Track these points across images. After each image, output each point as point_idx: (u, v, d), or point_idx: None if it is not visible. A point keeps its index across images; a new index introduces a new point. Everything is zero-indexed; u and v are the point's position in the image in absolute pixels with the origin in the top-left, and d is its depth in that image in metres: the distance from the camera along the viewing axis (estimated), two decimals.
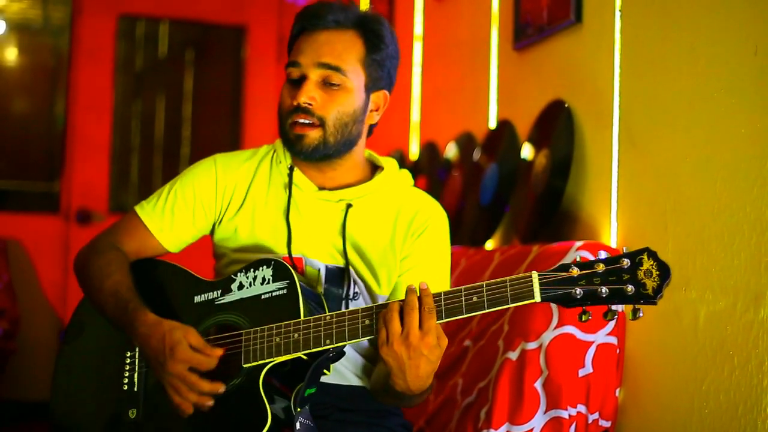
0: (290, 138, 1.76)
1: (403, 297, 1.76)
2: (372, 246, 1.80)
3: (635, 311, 1.41)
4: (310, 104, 1.73)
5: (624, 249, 1.44)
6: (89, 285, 1.77)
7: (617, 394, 2.01)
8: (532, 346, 1.99)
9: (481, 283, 1.47)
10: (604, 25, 2.23)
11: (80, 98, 5.12)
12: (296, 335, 1.56)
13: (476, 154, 2.90)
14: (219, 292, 1.68)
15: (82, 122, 5.11)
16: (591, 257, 1.99)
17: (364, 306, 1.56)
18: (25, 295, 4.80)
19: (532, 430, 1.94)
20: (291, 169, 1.82)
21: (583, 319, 1.44)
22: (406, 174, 1.90)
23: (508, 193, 2.64)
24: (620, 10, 2.17)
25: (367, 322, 1.53)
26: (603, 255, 1.44)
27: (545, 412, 1.95)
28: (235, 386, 1.59)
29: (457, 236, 2.87)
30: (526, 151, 2.56)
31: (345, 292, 1.76)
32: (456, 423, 2.14)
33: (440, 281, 1.82)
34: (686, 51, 1.92)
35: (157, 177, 5.37)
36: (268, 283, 1.63)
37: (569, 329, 1.96)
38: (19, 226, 4.94)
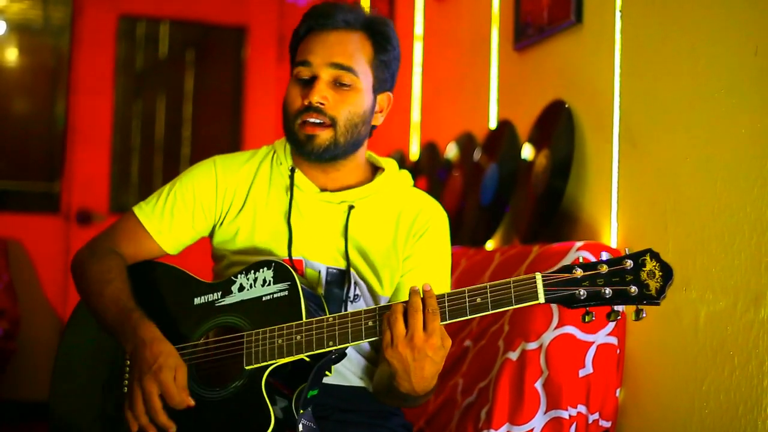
0: (300, 138, 1.75)
1: (405, 297, 1.76)
2: (375, 247, 1.80)
3: (638, 312, 1.41)
4: (322, 104, 1.73)
5: (627, 250, 1.44)
6: (88, 290, 1.75)
7: (617, 394, 2.01)
8: (532, 346, 1.99)
9: (485, 284, 1.47)
10: (605, 26, 2.23)
11: (80, 98, 5.12)
12: (298, 337, 1.55)
13: (476, 155, 2.90)
14: (219, 293, 1.68)
15: (82, 122, 5.11)
16: (591, 257, 1.98)
17: (366, 308, 1.56)
18: (26, 296, 4.80)
19: (532, 430, 1.94)
20: (292, 170, 1.82)
21: (586, 320, 1.44)
22: (406, 174, 1.90)
23: (509, 194, 2.64)
24: (620, 11, 2.17)
25: (370, 323, 1.53)
26: (606, 256, 1.44)
27: (545, 413, 1.95)
28: (237, 388, 1.59)
29: (457, 236, 2.87)
30: (527, 152, 2.56)
31: (345, 294, 1.76)
32: (456, 423, 2.14)
33: (441, 282, 1.82)
34: (686, 51, 1.92)
35: (158, 177, 5.37)
36: (269, 284, 1.63)
37: (569, 329, 1.96)
38: (19, 226, 4.94)
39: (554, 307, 1.99)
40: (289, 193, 1.81)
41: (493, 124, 2.92)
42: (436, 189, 3.20)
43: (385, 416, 1.83)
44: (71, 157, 5.09)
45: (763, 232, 1.67)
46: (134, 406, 1.57)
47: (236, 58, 5.53)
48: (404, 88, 3.66)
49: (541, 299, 1.44)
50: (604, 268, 1.43)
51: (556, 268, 1.46)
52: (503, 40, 2.86)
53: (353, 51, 1.76)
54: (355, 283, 1.78)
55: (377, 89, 1.81)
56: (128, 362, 1.69)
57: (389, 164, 1.88)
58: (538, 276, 1.45)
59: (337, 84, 1.75)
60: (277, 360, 1.56)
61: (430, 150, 3.40)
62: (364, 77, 1.77)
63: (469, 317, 1.48)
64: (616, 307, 1.44)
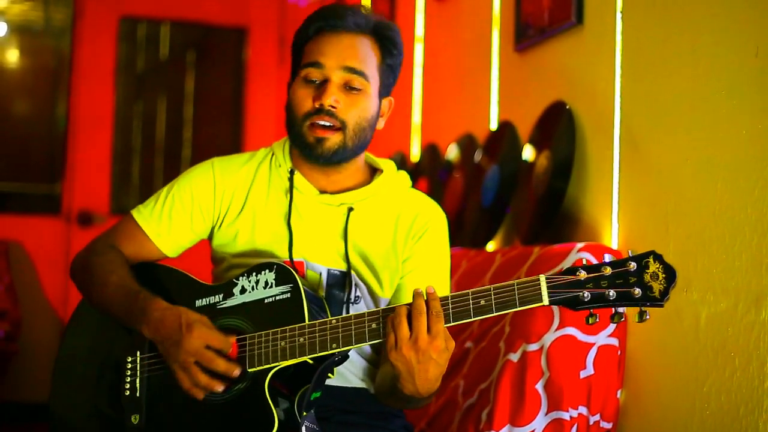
0: (309, 141, 1.74)
1: (405, 299, 1.77)
2: (374, 249, 1.80)
3: (642, 314, 1.41)
4: (334, 107, 1.72)
5: (630, 252, 1.45)
6: (92, 282, 1.76)
7: (618, 395, 2.01)
8: (533, 347, 1.99)
9: (489, 286, 1.47)
10: (605, 27, 2.23)
11: (81, 100, 5.12)
12: (301, 339, 1.55)
13: (477, 156, 2.90)
14: (221, 296, 1.68)
15: (83, 124, 5.11)
16: (592, 259, 1.99)
17: (370, 309, 1.56)
18: (27, 297, 4.81)
19: (533, 431, 1.94)
20: (291, 172, 1.82)
21: (590, 322, 1.44)
22: (404, 176, 1.90)
23: (510, 195, 2.64)
24: (621, 12, 2.17)
25: (373, 325, 1.53)
26: (609, 258, 1.44)
27: (546, 414, 1.95)
28: (240, 391, 1.59)
29: (458, 238, 2.87)
30: (528, 153, 2.56)
31: (346, 295, 1.76)
32: (457, 424, 2.14)
33: (441, 283, 1.82)
34: (687, 52, 1.92)
35: (158, 178, 5.38)
36: (271, 287, 1.63)
37: (570, 331, 1.96)
38: (20, 228, 4.94)
39: (555, 308, 1.99)
40: (288, 196, 1.81)
41: (493, 126, 2.92)
42: (436, 190, 3.20)
43: (387, 417, 1.83)
44: (72, 158, 5.09)
45: (763, 234, 1.67)
46: (189, 372, 1.56)
47: (237, 59, 5.54)
48: (405, 90, 3.66)
49: (545, 301, 1.44)
50: (608, 270, 1.43)
51: (558, 269, 1.47)
52: (504, 41, 2.86)
53: (364, 55, 1.76)
54: (356, 284, 1.78)
55: (382, 93, 1.82)
56: (129, 365, 1.69)
57: (387, 165, 1.88)
58: (542, 278, 1.45)
59: (347, 87, 1.75)
60: (280, 362, 1.56)
61: (431, 151, 3.40)
62: (373, 82, 1.77)
63: (474, 319, 1.48)
64: (619, 309, 1.44)
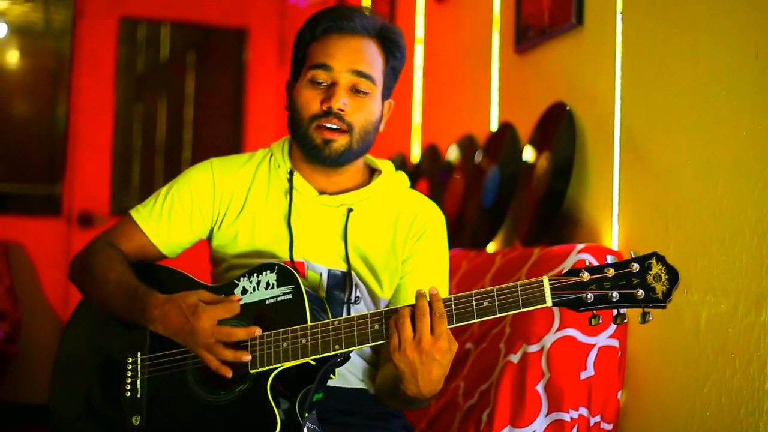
0: (316, 143, 1.74)
1: (405, 299, 1.77)
2: (374, 250, 1.80)
3: (644, 315, 1.42)
4: (342, 110, 1.73)
5: (632, 253, 1.45)
6: (92, 280, 1.76)
7: (619, 396, 2.01)
8: (533, 348, 1.99)
9: (492, 287, 1.47)
10: (606, 28, 2.23)
11: (82, 101, 5.12)
12: (304, 340, 1.55)
13: (478, 157, 2.90)
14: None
15: (83, 125, 5.12)
16: (593, 260, 1.99)
17: (372, 311, 1.56)
18: (27, 298, 4.81)
19: None
20: (291, 173, 1.82)
21: (593, 324, 1.45)
22: (402, 176, 1.90)
23: (510, 196, 2.64)
24: (621, 13, 2.17)
25: (376, 327, 1.53)
26: (611, 259, 1.44)
27: (547, 415, 1.95)
28: (242, 392, 1.59)
29: (458, 239, 2.87)
30: (528, 154, 2.56)
31: (347, 296, 1.76)
32: (458, 426, 2.14)
33: (440, 283, 1.82)
34: (687, 53, 1.92)
35: (159, 180, 5.38)
36: (273, 287, 1.63)
37: (571, 332, 1.96)
38: (20, 229, 4.94)
39: (555, 309, 1.99)
40: (288, 197, 1.81)
41: (494, 127, 2.92)
42: (437, 191, 3.20)
43: (386, 418, 1.83)
44: (72, 159, 5.10)
45: (764, 235, 1.67)
46: (214, 351, 1.56)
47: (237, 60, 5.54)
48: (405, 91, 3.66)
49: (549, 302, 1.44)
50: (611, 272, 1.44)
51: (559, 270, 1.47)
52: (504, 42, 2.86)
53: (371, 58, 1.76)
54: (356, 285, 1.78)
55: (384, 96, 1.82)
56: (129, 366, 1.68)
57: (386, 166, 1.89)
58: (546, 279, 1.45)
59: (354, 90, 1.75)
60: (283, 363, 1.56)
61: (431, 152, 3.40)
62: (379, 85, 1.78)
63: (476, 321, 1.49)
64: (622, 311, 1.44)
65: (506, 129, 2.75)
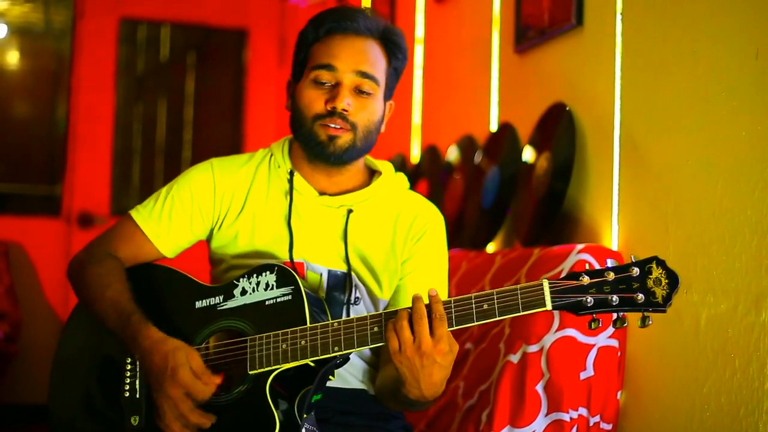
0: (320, 139, 1.74)
1: (404, 300, 1.77)
2: (374, 251, 1.80)
3: (644, 319, 1.41)
4: (346, 110, 1.73)
5: (633, 257, 1.45)
6: (87, 294, 1.75)
7: (618, 396, 2.01)
8: (533, 348, 1.99)
9: (492, 290, 1.47)
10: (605, 29, 2.23)
11: (82, 101, 5.12)
12: (303, 342, 1.55)
13: (477, 157, 2.90)
14: (221, 297, 1.67)
15: (83, 125, 5.12)
16: (593, 260, 1.99)
17: (371, 313, 1.56)
18: (27, 299, 4.81)
19: None
20: (291, 173, 1.82)
21: (592, 327, 1.45)
22: (402, 177, 1.90)
23: (510, 196, 2.64)
24: (621, 14, 2.17)
25: (375, 329, 1.52)
26: (611, 263, 1.44)
27: (546, 415, 1.95)
28: (241, 393, 1.59)
29: (458, 239, 2.87)
30: (528, 154, 2.56)
31: (347, 297, 1.76)
32: (457, 426, 2.14)
33: (440, 284, 1.82)
34: (687, 54, 1.92)
35: (159, 180, 5.38)
36: (272, 288, 1.63)
37: (570, 332, 1.96)
38: (20, 229, 4.94)
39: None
40: (288, 197, 1.81)
41: (494, 127, 2.92)
42: (437, 192, 3.20)
43: (386, 418, 1.83)
44: (72, 159, 5.10)
45: (763, 235, 1.67)
46: (164, 417, 1.57)
47: (237, 60, 5.54)
48: (405, 91, 3.66)
49: (549, 306, 1.44)
50: (611, 276, 1.44)
51: (559, 271, 1.47)
52: (504, 42, 2.87)
53: (375, 60, 1.77)
54: (355, 286, 1.78)
55: (386, 97, 1.83)
56: (128, 366, 1.68)
57: (386, 167, 1.89)
58: (545, 283, 1.45)
59: (358, 91, 1.75)
60: (282, 365, 1.56)
61: (431, 153, 3.40)
62: (381, 86, 1.79)
63: (476, 323, 1.49)
64: (621, 314, 1.44)
65: (506, 129, 2.75)
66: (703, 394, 1.80)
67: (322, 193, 1.82)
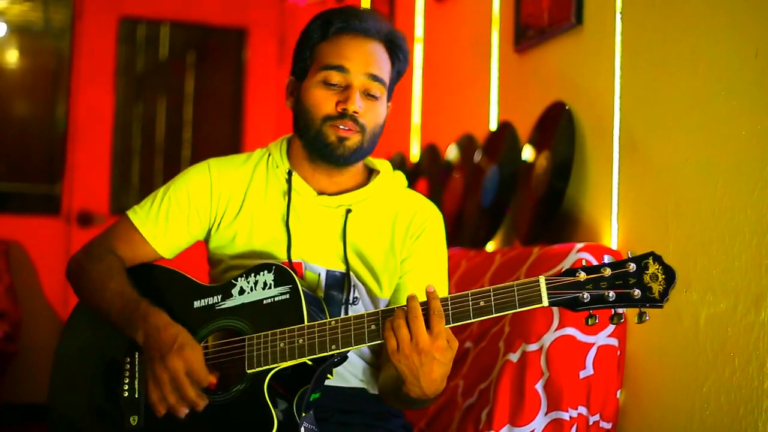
0: (329, 140, 1.74)
1: (404, 299, 1.77)
2: (373, 250, 1.80)
3: (641, 315, 1.41)
4: (357, 113, 1.73)
5: (629, 253, 1.45)
6: (89, 288, 1.75)
7: (618, 395, 2.01)
8: (532, 347, 1.99)
9: (488, 287, 1.47)
10: (605, 28, 2.23)
11: (81, 100, 5.12)
12: (301, 340, 1.55)
13: (477, 156, 2.90)
14: (219, 296, 1.68)
15: (83, 124, 5.12)
16: (592, 259, 1.99)
17: (368, 311, 1.56)
18: (27, 298, 4.81)
19: (533, 431, 1.94)
20: (289, 173, 1.82)
21: (589, 323, 1.44)
22: (400, 176, 1.90)
23: (509, 195, 2.64)
24: (621, 13, 2.17)
25: (373, 327, 1.52)
26: (608, 259, 1.44)
27: (546, 414, 1.95)
28: (239, 392, 1.59)
29: (457, 238, 2.87)
30: (527, 153, 2.56)
31: (345, 296, 1.76)
32: (457, 425, 2.14)
33: (440, 281, 1.82)
34: (687, 53, 1.92)
35: (158, 179, 5.38)
36: (270, 288, 1.63)
37: (570, 331, 1.96)
38: (20, 228, 4.94)
39: (554, 308, 1.99)
40: (286, 197, 1.81)
41: (493, 126, 2.92)
42: (436, 191, 3.20)
43: (386, 417, 1.83)
44: (72, 158, 5.10)
45: (763, 234, 1.67)
46: (161, 387, 1.57)
47: (237, 60, 5.54)
48: (405, 91, 3.66)
49: (545, 302, 1.44)
50: (608, 272, 1.43)
51: (558, 269, 1.47)
52: (503, 41, 2.86)
53: (382, 62, 1.77)
54: (354, 285, 1.78)
55: (388, 99, 1.83)
56: (127, 366, 1.68)
57: (383, 166, 1.89)
58: (542, 279, 1.45)
59: (366, 94, 1.75)
60: (280, 363, 1.56)
61: (431, 152, 3.40)
62: (387, 88, 1.79)
63: (473, 320, 1.48)
64: (618, 310, 1.44)
65: (505, 128, 2.75)
66: (702, 393, 1.80)
67: (320, 193, 1.82)
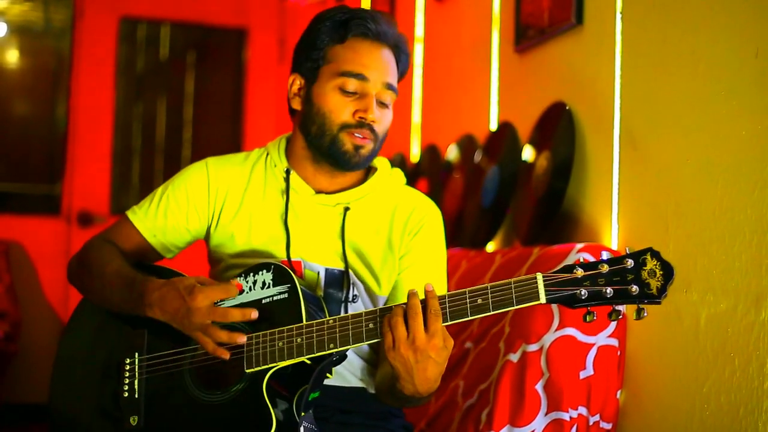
0: (345, 148, 1.73)
1: (402, 296, 1.77)
2: (371, 248, 1.80)
3: (639, 311, 1.41)
4: (374, 122, 1.73)
5: (627, 249, 1.44)
6: (89, 274, 1.76)
7: (618, 396, 2.01)
8: (533, 348, 1.99)
9: (486, 285, 1.47)
10: (605, 28, 2.23)
11: (81, 100, 5.12)
12: (299, 339, 1.55)
13: (477, 156, 2.90)
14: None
15: (83, 124, 5.11)
16: (592, 259, 1.99)
17: (367, 310, 1.56)
18: (27, 298, 4.81)
19: (533, 431, 1.94)
20: (287, 172, 1.82)
21: (587, 320, 1.44)
22: (398, 173, 1.90)
23: (509, 195, 2.64)
24: (621, 13, 2.17)
25: (371, 325, 1.52)
26: (606, 256, 1.44)
27: (546, 414, 1.95)
28: (238, 391, 1.59)
29: (458, 238, 2.87)
30: (527, 153, 2.56)
31: (345, 294, 1.76)
32: (457, 425, 2.14)
33: (438, 279, 1.82)
34: (687, 53, 1.92)
35: (158, 179, 5.37)
36: (269, 287, 1.63)
37: (570, 331, 1.96)
38: (20, 228, 4.94)
39: (555, 308, 1.99)
40: (284, 196, 1.81)
41: (493, 126, 2.92)
42: (436, 191, 3.20)
43: (386, 417, 1.83)
44: (72, 159, 5.10)
45: (763, 234, 1.67)
46: (210, 336, 1.56)
47: (237, 60, 5.54)
48: (405, 90, 3.66)
49: (543, 299, 1.44)
50: (605, 268, 1.43)
51: (557, 268, 1.46)
52: (504, 41, 2.86)
53: (394, 70, 1.78)
54: (353, 283, 1.78)
55: None
56: (127, 367, 1.69)
57: (381, 163, 1.89)
58: (539, 276, 1.45)
59: (379, 102, 1.75)
60: (278, 363, 1.56)
61: (431, 152, 3.40)
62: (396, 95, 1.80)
63: (470, 318, 1.48)
64: (617, 307, 1.44)
65: (506, 128, 2.75)
66: (702, 394, 1.80)
67: (318, 191, 1.82)
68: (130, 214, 1.83)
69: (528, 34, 2.65)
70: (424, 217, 1.84)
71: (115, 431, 1.68)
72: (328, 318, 1.56)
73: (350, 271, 1.78)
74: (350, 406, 1.79)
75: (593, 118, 2.27)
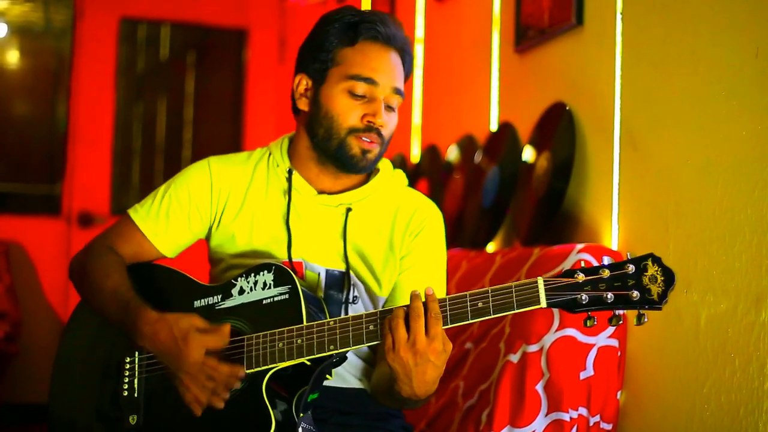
0: (353, 152, 1.73)
1: (402, 297, 1.77)
2: (373, 249, 1.80)
3: (640, 317, 1.41)
4: (383, 126, 1.74)
5: (628, 255, 1.45)
6: (88, 287, 1.76)
7: (618, 396, 2.01)
8: (533, 348, 1.99)
9: (487, 288, 1.47)
10: (606, 28, 2.23)
11: (82, 101, 5.12)
12: (299, 341, 1.55)
13: (477, 157, 2.90)
14: (219, 296, 1.68)
15: (83, 125, 5.11)
16: (592, 260, 1.99)
17: (367, 311, 1.55)
18: (27, 298, 4.81)
19: None
20: (290, 172, 1.82)
21: (588, 325, 1.44)
22: (400, 174, 1.90)
23: (510, 196, 2.64)
24: (621, 13, 2.17)
25: (371, 327, 1.52)
26: (607, 261, 1.44)
27: (546, 415, 1.95)
28: (237, 392, 1.59)
29: (458, 239, 2.87)
30: (528, 154, 2.56)
31: (345, 296, 1.76)
32: (457, 426, 2.14)
33: (438, 280, 1.82)
34: (687, 53, 1.92)
35: (159, 179, 5.37)
36: (269, 288, 1.63)
37: (570, 332, 1.96)
38: (20, 228, 4.94)
39: (554, 309, 1.99)
40: (286, 196, 1.81)
41: (494, 127, 2.92)
42: (437, 191, 3.20)
43: (385, 418, 1.83)
44: (72, 159, 5.10)
45: (763, 234, 1.67)
46: (194, 385, 1.55)
47: (237, 60, 5.54)
48: (405, 91, 3.65)
49: (543, 304, 1.44)
50: (606, 273, 1.43)
51: (557, 270, 1.46)
52: (504, 42, 2.86)
53: (402, 74, 1.79)
54: (354, 285, 1.78)
55: None
56: (127, 366, 1.69)
57: (384, 164, 1.88)
58: (540, 280, 1.45)
59: (387, 106, 1.76)
60: (278, 364, 1.56)
61: (431, 153, 3.40)
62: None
63: (471, 321, 1.48)
64: (617, 312, 1.44)
65: (506, 129, 2.75)
66: (703, 394, 1.80)
67: (320, 192, 1.82)
68: (131, 212, 1.83)
69: (528, 34, 2.65)
70: (426, 219, 1.84)
71: (115, 430, 1.68)
72: (328, 319, 1.56)
73: (351, 273, 1.78)
74: (349, 407, 1.79)
75: (593, 118, 2.27)
